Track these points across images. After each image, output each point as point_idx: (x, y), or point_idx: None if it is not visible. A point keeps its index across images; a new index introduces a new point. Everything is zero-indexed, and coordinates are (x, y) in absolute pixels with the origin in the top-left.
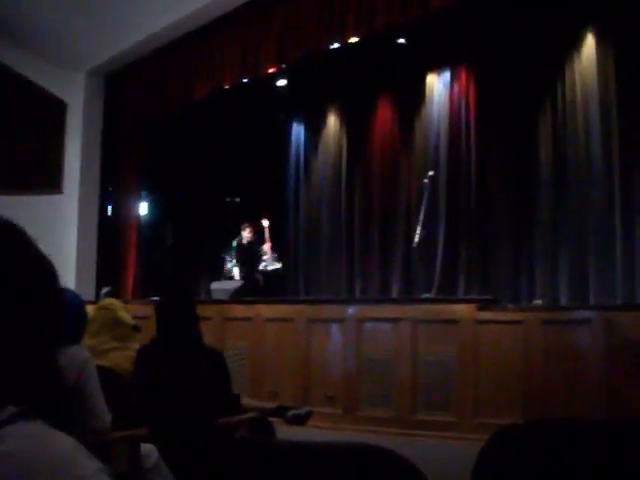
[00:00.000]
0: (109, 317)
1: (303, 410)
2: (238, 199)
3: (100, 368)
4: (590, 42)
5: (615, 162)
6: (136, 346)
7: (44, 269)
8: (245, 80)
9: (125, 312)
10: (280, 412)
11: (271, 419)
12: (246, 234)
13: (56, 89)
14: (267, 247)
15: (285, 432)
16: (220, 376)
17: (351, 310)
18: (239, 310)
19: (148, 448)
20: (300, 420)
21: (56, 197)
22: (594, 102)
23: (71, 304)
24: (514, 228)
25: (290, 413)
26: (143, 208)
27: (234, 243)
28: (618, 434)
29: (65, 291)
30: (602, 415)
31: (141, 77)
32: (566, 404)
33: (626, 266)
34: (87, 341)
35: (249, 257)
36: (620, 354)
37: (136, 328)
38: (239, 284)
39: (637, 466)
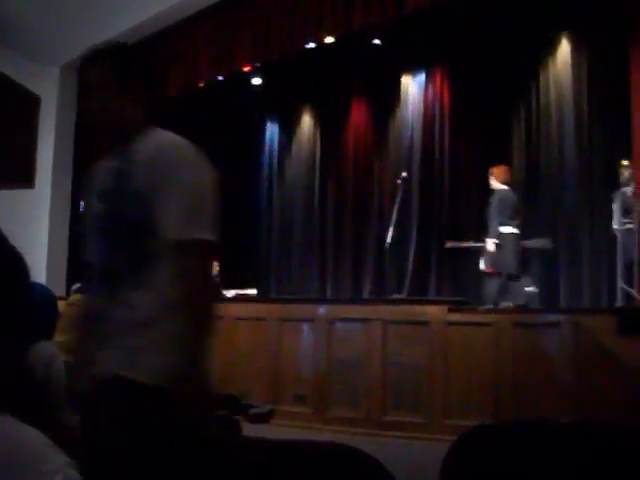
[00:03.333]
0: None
1: (264, 408)
2: None
3: (69, 364)
4: (565, 46)
5: (584, 165)
6: None
7: (15, 265)
8: (220, 78)
9: None
10: (242, 410)
11: (237, 417)
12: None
13: (29, 83)
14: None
15: (254, 431)
16: None
17: (322, 310)
18: None
19: None
20: (262, 418)
21: (28, 192)
22: (568, 106)
23: (42, 299)
24: (486, 230)
25: (251, 411)
26: None
27: None
28: (586, 435)
29: (36, 286)
30: (570, 416)
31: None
32: (535, 405)
33: (594, 269)
34: (57, 337)
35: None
36: (588, 356)
37: None
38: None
39: (604, 467)
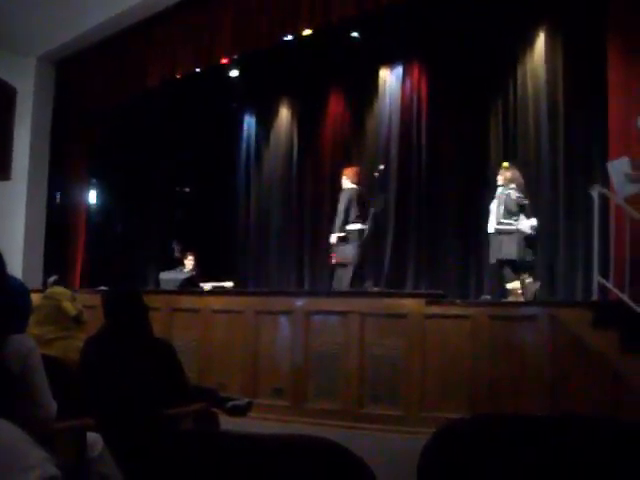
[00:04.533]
0: (53, 307)
1: (242, 401)
2: (187, 189)
3: (46, 357)
4: (541, 40)
5: (559, 161)
6: (83, 336)
7: None
8: (198, 70)
9: (70, 302)
10: (220, 403)
11: (215, 410)
12: (189, 263)
13: (6, 74)
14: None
15: (231, 424)
16: (170, 367)
17: (299, 302)
18: (187, 301)
19: (93, 437)
20: (239, 411)
21: (4, 183)
22: (543, 100)
23: (15, 292)
24: (463, 224)
25: (229, 404)
26: (92, 196)
27: (179, 278)
28: (563, 429)
29: (10, 279)
30: (546, 409)
31: (93, 64)
32: (512, 398)
33: (569, 263)
34: (33, 330)
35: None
36: (564, 350)
37: (77, 319)
38: (189, 275)
39: (579, 461)
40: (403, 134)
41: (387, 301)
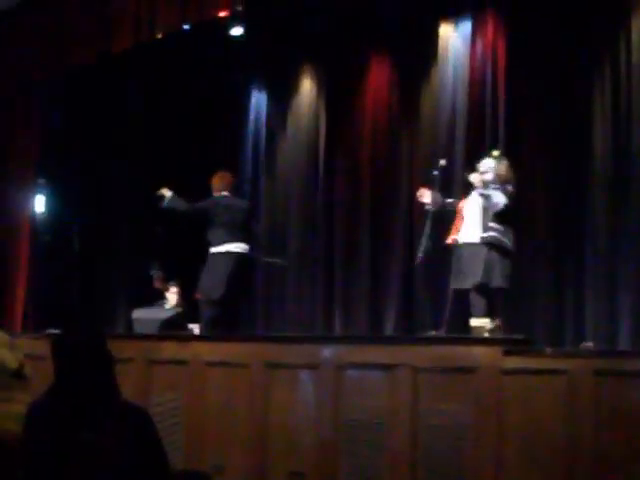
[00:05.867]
0: None
1: None
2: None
3: None
4: None
5: None
6: (25, 398)
7: None
8: (186, 27)
9: (8, 350)
10: None
11: None
12: (172, 296)
13: None
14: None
15: None
16: (145, 444)
17: (328, 352)
18: (170, 349)
19: None
20: None
21: None
22: None
23: None
24: (556, 243)
25: None
26: (39, 203)
27: (159, 317)
28: None
29: None
30: None
31: (38, 20)
32: None
33: None
34: None
35: None
36: None
37: (17, 375)
38: (172, 312)
39: None
40: (472, 114)
41: (449, 350)
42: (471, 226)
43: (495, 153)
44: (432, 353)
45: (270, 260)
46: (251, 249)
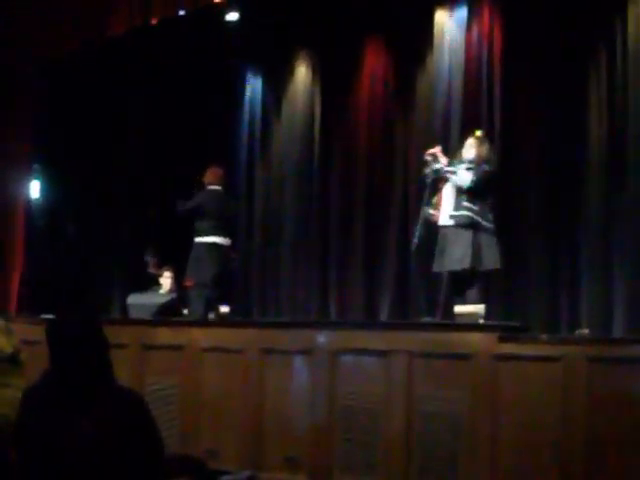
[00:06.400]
0: None
1: (241, 475)
2: (164, 180)
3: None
4: None
5: None
6: (21, 384)
7: None
8: (181, 13)
9: (3, 335)
10: (209, 478)
11: None
12: (166, 281)
13: None
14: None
15: None
16: (140, 429)
17: (323, 338)
18: (165, 335)
19: None
20: None
21: None
22: None
23: None
24: (551, 228)
25: (223, 479)
26: (34, 188)
27: (154, 302)
28: None
29: None
30: None
31: (33, 4)
32: (618, 472)
33: None
34: None
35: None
36: None
37: (12, 360)
38: (167, 298)
39: None
40: (468, 100)
41: (444, 336)
42: (448, 206)
43: (478, 133)
44: (427, 339)
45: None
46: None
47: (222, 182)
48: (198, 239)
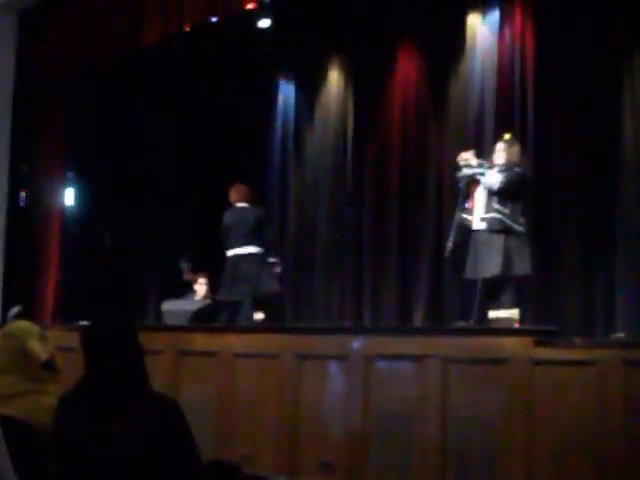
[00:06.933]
0: (15, 349)
1: None
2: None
3: (4, 419)
4: None
5: None
6: (57, 390)
7: None
8: (213, 20)
9: (38, 342)
10: None
11: None
12: (201, 288)
13: None
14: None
15: None
16: (176, 435)
17: (357, 343)
18: (200, 341)
19: None
20: None
21: None
22: None
23: None
24: (586, 232)
25: None
26: (69, 196)
27: (188, 309)
28: None
29: None
30: None
31: (69, 14)
32: None
33: None
34: None
35: None
36: None
37: (49, 365)
38: (202, 304)
39: None
40: (501, 104)
41: (479, 341)
42: (479, 209)
43: (507, 136)
44: (462, 344)
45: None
46: (264, 252)
47: (247, 198)
48: (227, 253)
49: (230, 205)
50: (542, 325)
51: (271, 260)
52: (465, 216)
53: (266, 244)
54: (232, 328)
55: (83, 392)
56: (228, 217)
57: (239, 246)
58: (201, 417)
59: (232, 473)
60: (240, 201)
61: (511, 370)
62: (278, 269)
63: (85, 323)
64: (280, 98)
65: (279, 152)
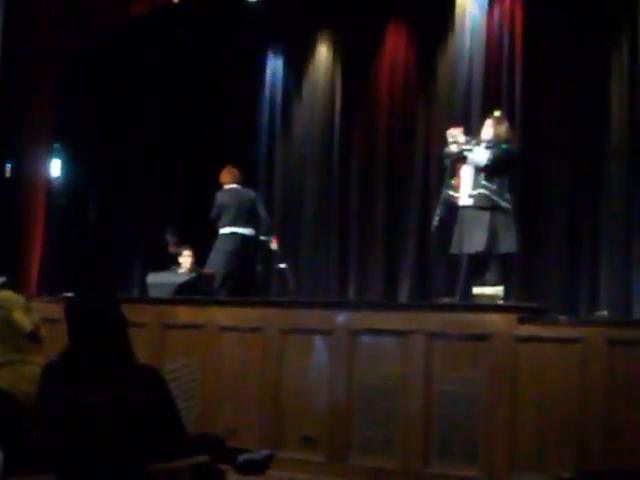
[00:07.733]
0: (0, 320)
1: (259, 454)
2: (186, 159)
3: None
4: None
5: None
6: (41, 360)
7: None
8: None
9: (23, 313)
10: (228, 456)
11: (221, 466)
12: (186, 260)
13: None
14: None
15: None
16: (159, 406)
17: (342, 318)
18: (185, 314)
19: None
20: (255, 467)
21: None
22: None
23: None
24: (571, 212)
25: (241, 458)
26: (55, 167)
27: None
28: None
29: None
30: None
31: None
32: (636, 452)
33: None
34: None
35: None
36: None
37: (33, 337)
38: (186, 277)
39: None
40: (489, 83)
41: (463, 317)
42: (467, 186)
43: (496, 114)
44: (446, 320)
45: (282, 267)
46: (256, 233)
47: (238, 180)
48: (220, 231)
49: (220, 186)
50: (526, 303)
51: (281, 266)
52: (451, 193)
53: (258, 226)
54: (217, 301)
55: (67, 362)
56: (223, 197)
57: (237, 226)
58: (185, 390)
59: (216, 446)
60: (232, 182)
61: (495, 346)
62: (290, 276)
63: (69, 294)
64: (268, 72)
65: (266, 127)
